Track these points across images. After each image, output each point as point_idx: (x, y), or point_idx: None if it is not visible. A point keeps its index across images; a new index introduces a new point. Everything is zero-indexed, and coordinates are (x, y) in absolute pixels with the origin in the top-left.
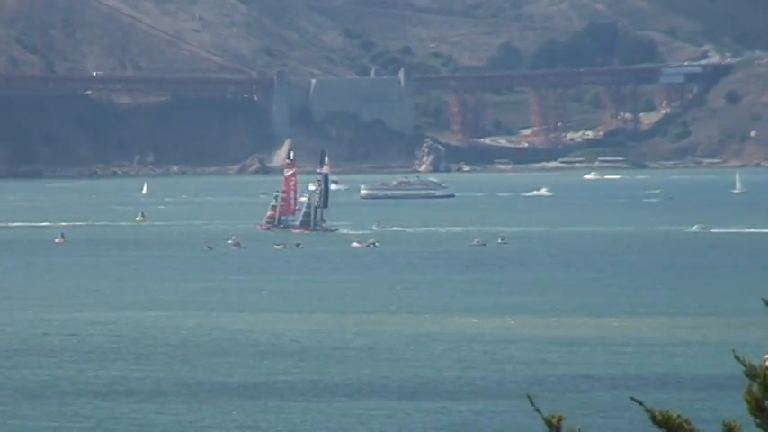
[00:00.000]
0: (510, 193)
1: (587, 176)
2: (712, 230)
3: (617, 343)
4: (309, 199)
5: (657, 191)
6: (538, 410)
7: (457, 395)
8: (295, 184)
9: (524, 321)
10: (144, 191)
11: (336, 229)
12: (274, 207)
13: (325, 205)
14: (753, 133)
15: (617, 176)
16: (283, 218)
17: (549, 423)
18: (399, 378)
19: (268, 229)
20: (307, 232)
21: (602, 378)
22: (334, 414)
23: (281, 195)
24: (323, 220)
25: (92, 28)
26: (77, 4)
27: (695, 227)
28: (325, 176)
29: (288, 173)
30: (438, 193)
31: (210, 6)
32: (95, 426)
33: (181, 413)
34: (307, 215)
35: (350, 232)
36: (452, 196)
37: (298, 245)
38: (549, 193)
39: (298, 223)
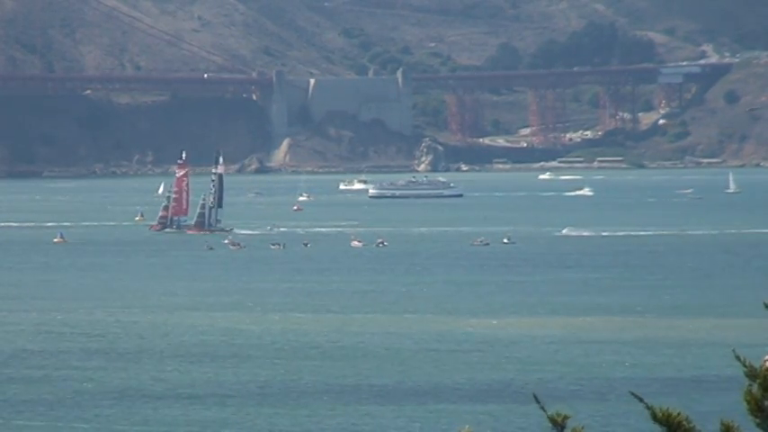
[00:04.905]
0: (553, 193)
1: (542, 176)
2: (582, 233)
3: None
4: (204, 199)
5: (689, 191)
6: (543, 408)
7: (475, 397)
8: (187, 185)
9: (550, 322)
10: (160, 191)
11: (231, 230)
12: (166, 207)
13: (220, 205)
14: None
15: (574, 176)
16: (175, 218)
17: (553, 421)
18: (417, 380)
19: (160, 229)
20: (201, 233)
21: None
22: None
23: (173, 196)
24: (218, 220)
25: (91, 28)
26: (76, 3)
27: (566, 229)
28: (220, 176)
29: (180, 173)
30: (446, 192)
31: (210, 6)
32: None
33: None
34: (201, 215)
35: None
36: (461, 196)
37: (306, 244)
38: (590, 193)
39: (192, 223)
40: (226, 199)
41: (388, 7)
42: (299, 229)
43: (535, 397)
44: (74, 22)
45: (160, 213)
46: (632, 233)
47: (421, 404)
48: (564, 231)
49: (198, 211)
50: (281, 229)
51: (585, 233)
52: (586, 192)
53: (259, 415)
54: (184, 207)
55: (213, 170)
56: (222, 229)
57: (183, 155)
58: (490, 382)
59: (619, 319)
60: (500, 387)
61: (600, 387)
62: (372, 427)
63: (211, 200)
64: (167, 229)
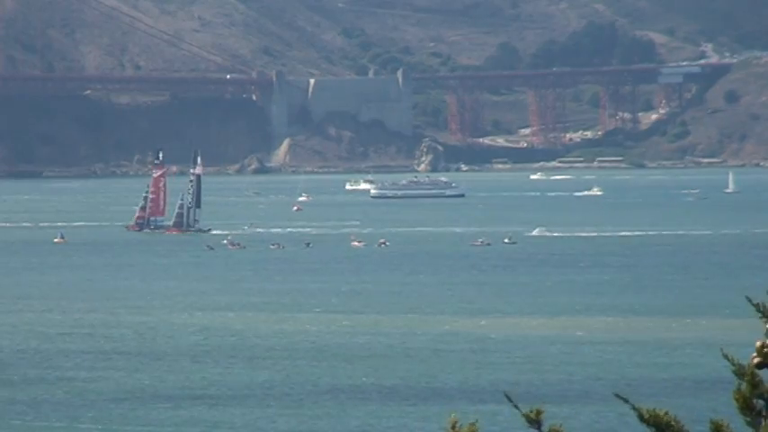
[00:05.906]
0: (562, 193)
1: (533, 176)
2: (554, 234)
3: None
4: (182, 200)
5: (695, 191)
6: (516, 407)
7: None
8: (164, 185)
9: (560, 323)
10: None
11: (209, 230)
12: (143, 208)
13: (198, 206)
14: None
15: (564, 177)
16: (152, 219)
17: (528, 418)
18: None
19: (138, 229)
20: (179, 233)
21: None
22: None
23: (150, 196)
24: (196, 220)
25: (91, 28)
26: (76, 3)
27: (536, 230)
28: (198, 177)
29: (156, 174)
30: (448, 192)
31: (210, 6)
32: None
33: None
34: (179, 216)
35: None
36: (462, 196)
37: (308, 244)
38: (600, 193)
39: (171, 224)
40: (226, 199)
41: (388, 7)
42: (290, 229)
43: (507, 396)
44: (74, 22)
45: (137, 213)
46: (608, 234)
47: (421, 404)
48: (534, 232)
49: (176, 211)
50: (262, 230)
51: (557, 233)
52: (596, 191)
53: (260, 415)
54: (161, 207)
55: (191, 170)
56: (200, 230)
57: (161, 155)
58: (491, 382)
59: (620, 320)
60: (501, 387)
61: (601, 388)
62: (374, 428)
63: (189, 200)
64: (146, 230)
